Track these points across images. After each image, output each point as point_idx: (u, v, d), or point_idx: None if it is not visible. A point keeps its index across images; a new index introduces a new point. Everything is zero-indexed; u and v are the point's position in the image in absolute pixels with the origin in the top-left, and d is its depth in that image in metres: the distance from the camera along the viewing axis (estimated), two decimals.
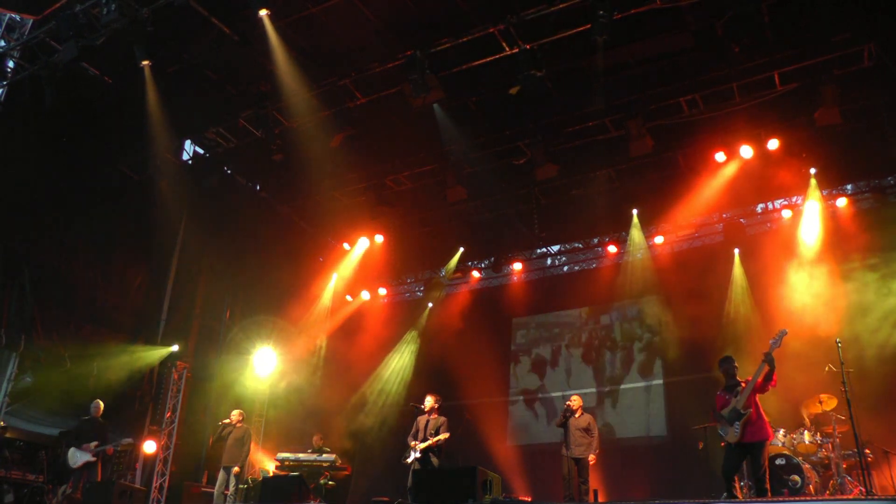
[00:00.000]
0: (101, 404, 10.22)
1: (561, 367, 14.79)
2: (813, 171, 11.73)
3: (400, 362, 15.64)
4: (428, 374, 14.83)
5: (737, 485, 7.29)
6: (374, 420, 14.82)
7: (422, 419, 9.55)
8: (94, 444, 9.82)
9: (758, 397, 7.31)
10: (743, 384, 7.37)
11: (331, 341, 15.42)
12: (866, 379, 9.71)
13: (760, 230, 13.34)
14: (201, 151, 13.08)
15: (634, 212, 13.49)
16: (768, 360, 7.16)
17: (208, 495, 11.25)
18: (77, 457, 9.76)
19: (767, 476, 7.14)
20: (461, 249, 15.42)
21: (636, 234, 13.58)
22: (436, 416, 9.51)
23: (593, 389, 13.98)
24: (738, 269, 12.78)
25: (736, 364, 7.55)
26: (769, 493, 7.10)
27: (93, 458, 9.80)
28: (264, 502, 9.13)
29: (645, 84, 10.79)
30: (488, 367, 14.82)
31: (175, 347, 12.48)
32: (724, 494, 7.43)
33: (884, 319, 10.64)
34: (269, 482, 10.19)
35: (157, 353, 12.30)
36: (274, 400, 14.59)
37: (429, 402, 9.63)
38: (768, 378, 7.19)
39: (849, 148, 11.22)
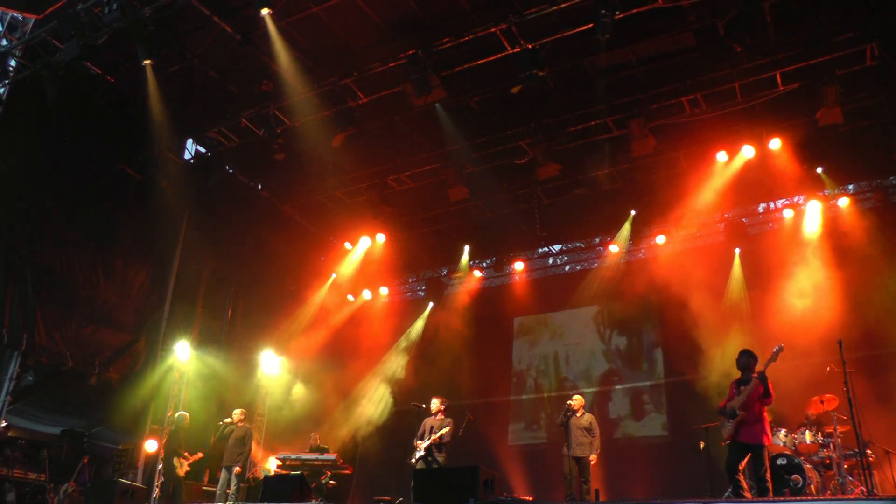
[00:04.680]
0: (187, 415, 11.28)
1: (562, 366, 14.79)
2: (820, 169, 11.78)
3: (402, 361, 15.63)
4: (430, 374, 14.83)
5: (744, 482, 7.26)
6: (375, 419, 14.81)
7: (427, 421, 9.57)
8: (185, 452, 10.91)
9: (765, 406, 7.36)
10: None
11: (332, 341, 15.41)
12: (868, 379, 9.69)
13: (762, 230, 13.35)
14: (203, 151, 13.07)
15: (632, 213, 13.51)
16: (760, 378, 7.22)
17: (210, 494, 11.27)
18: (182, 466, 10.85)
19: (769, 475, 7.16)
20: (467, 248, 15.44)
21: (624, 235, 13.63)
22: (442, 417, 9.53)
23: (594, 388, 13.99)
24: (736, 268, 12.79)
25: (754, 358, 7.52)
26: (770, 493, 7.11)
27: (189, 469, 10.83)
28: (265, 502, 9.13)
29: (647, 84, 10.77)
30: (490, 367, 14.84)
31: (177, 347, 12.49)
32: (727, 493, 7.43)
33: (885, 319, 10.63)
34: (270, 481, 10.20)
35: (158, 353, 12.30)
36: (275, 399, 14.61)
37: (435, 404, 9.66)
38: (764, 395, 7.23)
39: (851, 148, 11.23)
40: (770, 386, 7.20)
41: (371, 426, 14.73)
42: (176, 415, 11.50)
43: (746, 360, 7.54)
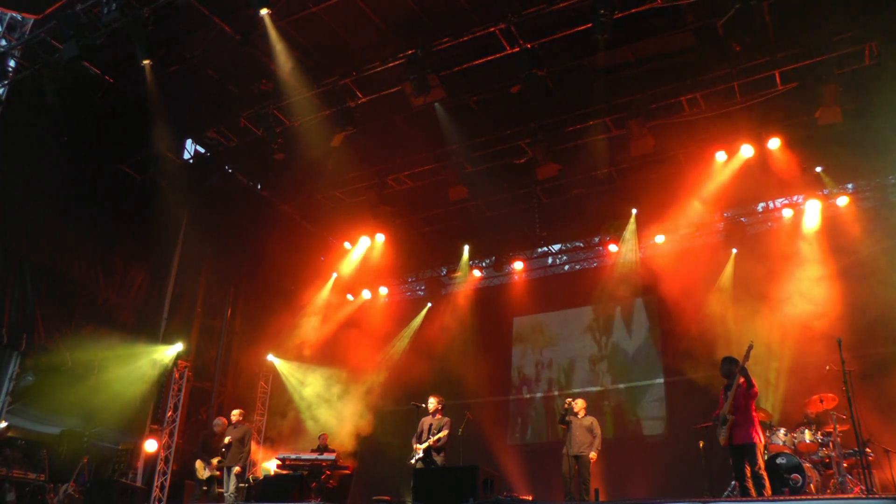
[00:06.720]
0: (225, 420, 10.82)
1: (561, 365, 14.79)
2: (819, 169, 11.80)
3: (401, 361, 15.62)
4: (429, 373, 14.82)
5: (752, 490, 7.32)
6: (375, 419, 14.81)
7: (426, 420, 9.55)
8: (216, 459, 10.39)
9: (752, 402, 7.55)
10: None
11: (332, 340, 15.41)
12: (867, 378, 9.69)
13: (761, 229, 13.35)
14: (202, 150, 13.09)
15: (633, 212, 13.53)
16: (742, 373, 7.49)
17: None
18: (205, 470, 10.40)
19: (764, 472, 7.29)
20: (467, 248, 15.45)
21: (629, 234, 13.64)
22: (439, 416, 9.52)
23: (594, 388, 13.99)
24: (729, 268, 12.78)
25: (737, 365, 7.61)
26: (767, 488, 7.17)
27: (217, 473, 10.40)
28: (265, 502, 9.13)
29: (646, 83, 10.78)
30: (489, 366, 14.82)
31: (176, 346, 12.49)
32: (727, 493, 7.47)
33: (884, 318, 10.62)
34: (269, 481, 10.21)
35: (158, 352, 12.31)
36: (275, 399, 14.61)
37: (432, 403, 9.64)
38: (748, 387, 7.47)
39: (850, 147, 11.22)
40: (752, 378, 7.47)
41: (371, 425, 14.73)
42: (214, 421, 11.34)
43: (729, 366, 7.74)
